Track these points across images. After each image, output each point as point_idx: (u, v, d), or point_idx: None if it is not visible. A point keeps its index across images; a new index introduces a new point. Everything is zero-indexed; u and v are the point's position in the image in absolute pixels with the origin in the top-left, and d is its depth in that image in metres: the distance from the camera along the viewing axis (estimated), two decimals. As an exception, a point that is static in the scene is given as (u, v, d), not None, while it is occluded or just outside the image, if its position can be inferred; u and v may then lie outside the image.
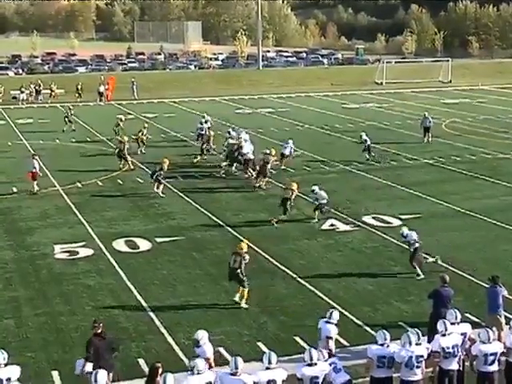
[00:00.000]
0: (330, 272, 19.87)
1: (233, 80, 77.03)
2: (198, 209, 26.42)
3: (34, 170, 28.72)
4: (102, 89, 59.42)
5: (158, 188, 28.24)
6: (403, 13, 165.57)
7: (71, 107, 45.94)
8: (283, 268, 20.15)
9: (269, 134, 42.44)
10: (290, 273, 19.79)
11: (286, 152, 32.87)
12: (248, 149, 31.64)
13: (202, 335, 12.60)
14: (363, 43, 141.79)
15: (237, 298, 17.70)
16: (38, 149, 36.34)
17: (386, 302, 17.74)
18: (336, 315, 13.67)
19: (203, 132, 36.74)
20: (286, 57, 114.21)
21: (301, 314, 17.12)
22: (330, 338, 13.40)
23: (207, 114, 40.92)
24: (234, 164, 32.04)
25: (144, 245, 22.29)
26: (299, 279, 19.30)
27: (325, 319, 13.69)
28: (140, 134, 36.85)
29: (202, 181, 31.00)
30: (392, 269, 20.05)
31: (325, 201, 24.73)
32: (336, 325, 13.57)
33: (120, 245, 22.30)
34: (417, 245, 19.34)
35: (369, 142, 34.55)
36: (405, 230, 19.68)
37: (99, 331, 13.21)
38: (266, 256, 21.12)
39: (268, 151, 30.10)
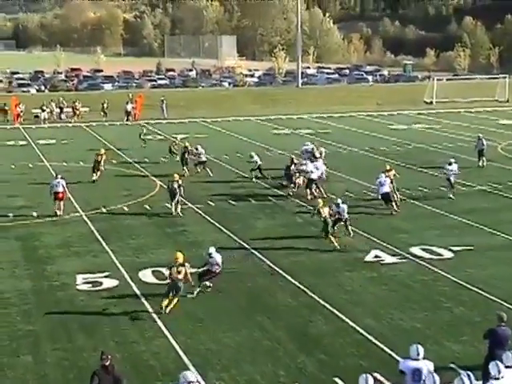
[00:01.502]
0: (373, 308, 19.72)
1: (269, 99, 77.45)
2: (230, 237, 26.49)
3: (62, 191, 29.56)
4: (129, 107, 60.15)
5: (176, 209, 29.30)
6: (455, 26, 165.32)
7: (144, 124, 46.23)
8: (323, 303, 20.05)
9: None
10: (331, 308, 19.68)
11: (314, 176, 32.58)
12: (312, 167, 32.44)
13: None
14: (411, 59, 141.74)
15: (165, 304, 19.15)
16: (61, 171, 36.77)
17: (436, 342, 17.53)
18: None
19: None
20: (328, 74, 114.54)
21: (342, 353, 17.00)
22: None
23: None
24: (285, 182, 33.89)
25: (172, 276, 22.36)
26: (340, 315, 19.18)
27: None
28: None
29: (236, 206, 31.18)
30: (443, 305, 19.84)
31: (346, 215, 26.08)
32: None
33: (147, 275, 22.41)
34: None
35: (259, 162, 35.56)
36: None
37: (107, 363, 13.22)
38: (305, 289, 21.05)
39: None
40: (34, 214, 29.89)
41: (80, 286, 21.60)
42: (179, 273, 19.24)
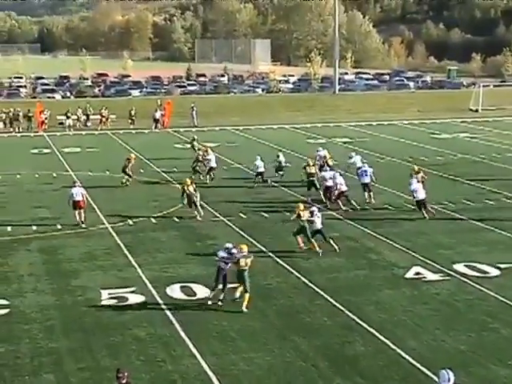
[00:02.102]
0: (414, 328, 19.57)
1: (305, 105, 77.48)
2: (262, 251, 26.50)
3: (82, 199, 29.91)
4: (157, 114, 60.51)
5: (197, 213, 30.50)
6: (504, 28, 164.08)
7: (195, 137, 46.49)
8: (361, 322, 19.95)
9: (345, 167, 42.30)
10: (369, 328, 19.57)
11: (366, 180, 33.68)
12: (329, 175, 33.20)
13: None
14: (456, 64, 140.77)
15: (237, 295, 20.88)
16: (87, 181, 37.13)
17: (481, 365, 17.33)
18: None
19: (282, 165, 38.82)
20: (367, 79, 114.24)
21: (380, 375, 16.87)
22: None
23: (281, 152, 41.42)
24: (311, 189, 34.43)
25: (202, 292, 22.34)
26: (379, 335, 19.06)
27: None
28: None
29: (268, 218, 31.20)
30: (489, 326, 19.62)
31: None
32: None
33: (175, 291, 22.45)
34: None
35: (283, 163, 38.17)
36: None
37: (123, 382, 13.22)
38: (342, 308, 20.96)
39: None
40: (58, 225, 30.14)
41: (105, 301, 21.70)
42: (246, 264, 21.03)
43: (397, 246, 26.66)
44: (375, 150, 48.68)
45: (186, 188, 30.70)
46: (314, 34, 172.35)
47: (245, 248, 21.49)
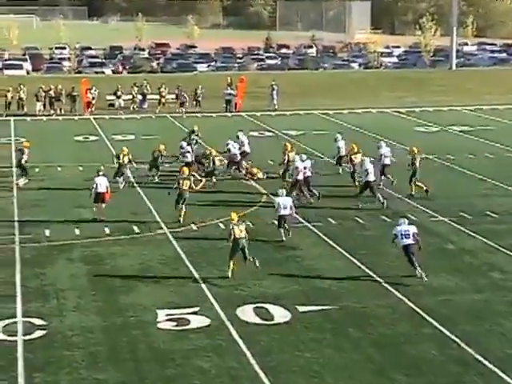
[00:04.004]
0: (549, 367, 19.29)
1: (413, 84, 76.78)
2: (356, 265, 26.44)
3: (105, 191, 31.02)
4: (229, 94, 60.77)
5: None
6: None
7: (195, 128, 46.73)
8: (480, 358, 19.72)
9: (462, 162, 41.93)
10: (490, 365, 19.33)
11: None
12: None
13: None
14: None
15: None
16: (142, 176, 37.58)
17: None
18: None
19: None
20: (492, 52, 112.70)
21: (504, 426, 16.69)
22: None
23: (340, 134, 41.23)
24: None
25: (280, 314, 22.44)
26: (504, 376, 18.82)
27: None
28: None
29: (364, 225, 31.13)
30: None
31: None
32: None
33: (247, 313, 22.57)
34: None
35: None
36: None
37: None
38: (456, 339, 20.76)
39: None
40: (106, 229, 30.58)
41: (162, 324, 21.92)
42: (241, 231, 25.20)
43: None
44: (502, 141, 47.89)
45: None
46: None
47: (234, 216, 25.73)
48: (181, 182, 31.08)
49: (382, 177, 36.09)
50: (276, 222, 29.32)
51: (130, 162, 36.45)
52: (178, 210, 31.20)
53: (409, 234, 24.98)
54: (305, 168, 33.71)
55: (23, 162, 37.29)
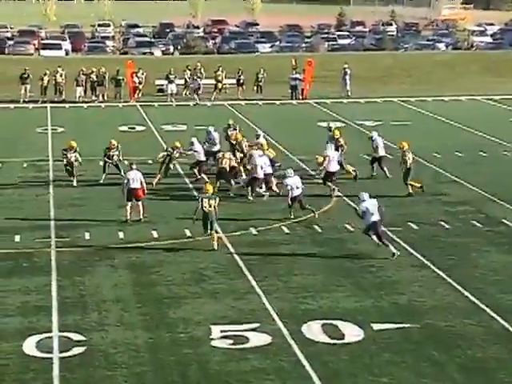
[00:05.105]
0: None
1: (509, 68, 76.08)
2: (442, 278, 26.23)
3: (140, 187, 31.41)
4: (294, 79, 60.63)
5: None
6: None
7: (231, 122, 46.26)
8: None
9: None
10: None
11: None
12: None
13: None
14: None
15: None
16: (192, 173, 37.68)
17: None
18: None
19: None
20: None
21: None
22: None
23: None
24: None
25: (352, 332, 22.40)
26: None
27: None
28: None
29: (450, 231, 30.98)
30: None
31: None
32: None
33: (314, 330, 22.52)
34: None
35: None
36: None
37: None
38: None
39: None
40: (154, 233, 30.66)
41: (216, 341, 21.95)
42: (210, 206, 28.39)
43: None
44: None
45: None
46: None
47: (209, 188, 29.01)
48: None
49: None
50: (289, 202, 31.61)
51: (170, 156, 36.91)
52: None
53: (376, 210, 27.09)
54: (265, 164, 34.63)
55: (116, 159, 37.77)
